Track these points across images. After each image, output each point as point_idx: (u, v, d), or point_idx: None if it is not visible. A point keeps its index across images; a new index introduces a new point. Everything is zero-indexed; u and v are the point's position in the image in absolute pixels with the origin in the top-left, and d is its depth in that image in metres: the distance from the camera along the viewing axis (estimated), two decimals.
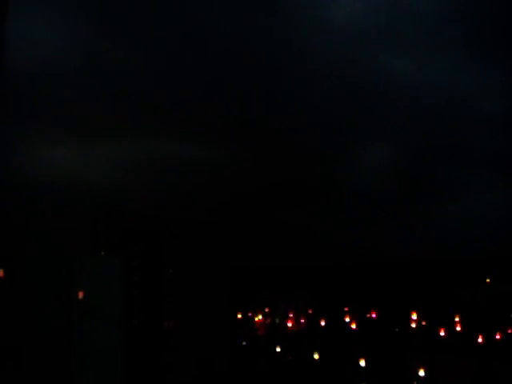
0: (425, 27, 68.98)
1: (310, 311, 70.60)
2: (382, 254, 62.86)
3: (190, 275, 49.90)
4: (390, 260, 66.94)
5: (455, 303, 66.91)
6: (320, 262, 65.57)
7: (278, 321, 69.27)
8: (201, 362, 47.07)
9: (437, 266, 68.98)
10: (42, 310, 41.59)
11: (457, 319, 65.92)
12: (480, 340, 60.78)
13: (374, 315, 68.87)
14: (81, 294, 42.93)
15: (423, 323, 66.31)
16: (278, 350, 59.59)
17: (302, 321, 69.33)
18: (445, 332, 63.12)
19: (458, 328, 64.34)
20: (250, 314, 68.66)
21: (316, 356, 57.10)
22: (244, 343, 60.96)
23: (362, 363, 55.54)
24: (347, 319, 66.67)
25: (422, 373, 52.87)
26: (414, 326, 66.23)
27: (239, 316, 65.58)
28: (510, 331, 62.70)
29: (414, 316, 66.51)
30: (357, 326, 65.88)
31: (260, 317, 69.35)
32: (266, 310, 70.77)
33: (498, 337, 61.06)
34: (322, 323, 66.52)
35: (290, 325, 68.12)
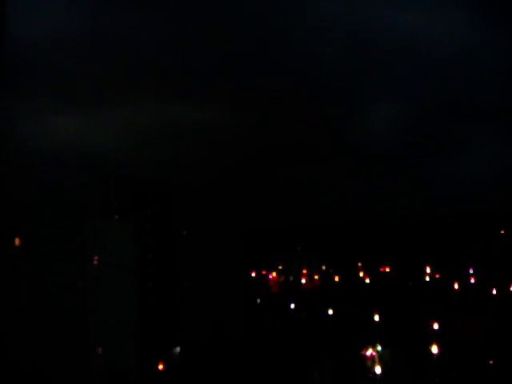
0: None
1: (324, 268, 70.95)
2: (395, 210, 62.64)
3: (202, 236, 50.04)
4: (403, 216, 66.72)
5: (469, 256, 66.82)
6: (331, 220, 65.53)
7: (291, 278, 69.74)
8: (215, 322, 47.61)
9: (449, 221, 68.68)
10: (58, 275, 42.12)
11: (471, 272, 65.89)
12: (494, 292, 60.79)
13: (387, 269, 69.06)
14: (95, 258, 43.35)
15: (437, 276, 66.43)
16: (293, 306, 60.10)
17: (316, 277, 69.75)
18: (459, 285, 63.13)
19: (472, 281, 64.36)
20: (263, 272, 69.15)
21: (330, 312, 57.51)
22: (258, 301, 61.57)
23: (376, 318, 55.83)
24: (361, 274, 66.97)
25: (435, 326, 53.08)
26: (427, 279, 66.32)
27: (253, 274, 66.08)
28: None
29: (428, 269, 66.54)
30: (370, 281, 66.18)
31: (274, 274, 69.87)
32: (280, 267, 71.25)
33: None
34: (336, 279, 66.87)
35: (303, 282, 68.57)
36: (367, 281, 66.08)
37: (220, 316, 48.25)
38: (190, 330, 47.19)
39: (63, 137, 51.99)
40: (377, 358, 47.93)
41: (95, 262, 43.76)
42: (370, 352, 52.72)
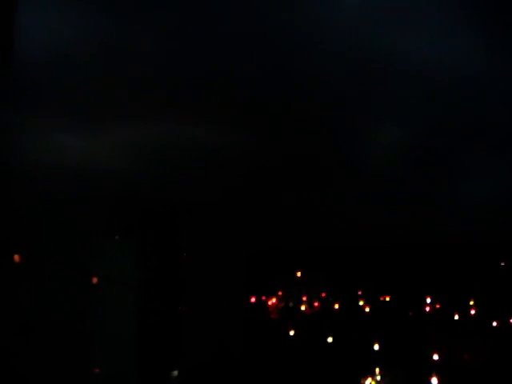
0: (437, 5, 67.74)
1: (324, 295, 70.57)
2: (396, 236, 62.45)
3: (204, 258, 49.93)
4: (404, 243, 66.57)
5: (469, 287, 66.62)
6: (333, 244, 65.28)
7: (291, 304, 69.33)
8: (215, 347, 47.27)
9: (451, 250, 68.55)
10: (58, 295, 41.83)
11: (471, 303, 65.67)
12: (495, 324, 60.58)
13: (387, 298, 68.74)
14: (97, 279, 43.06)
15: (437, 306, 66.14)
16: (292, 333, 59.71)
17: (316, 304, 69.35)
18: (459, 316, 62.92)
19: (473, 312, 64.11)
20: (263, 298, 68.75)
21: (330, 339, 57.20)
22: (258, 327, 61.11)
23: (376, 347, 55.58)
24: (361, 303, 66.63)
25: (435, 356, 52.88)
26: (428, 309, 66.05)
27: (253, 300, 65.70)
28: None
29: (428, 300, 66.29)
30: (370, 310, 65.86)
31: (274, 300, 69.45)
32: (280, 293, 70.83)
33: None
34: (336, 307, 66.50)
35: (303, 308, 68.17)
36: (367, 309, 65.78)
37: (221, 339, 47.94)
38: (191, 353, 46.80)
39: (66, 154, 52.04)
40: None
41: (96, 282, 43.50)
42: (368, 381, 52.31)
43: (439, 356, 53.24)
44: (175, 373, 47.19)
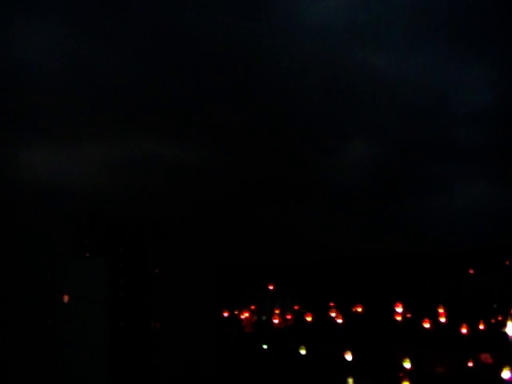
0: (405, 22, 69.43)
1: (296, 307, 70.90)
2: (366, 249, 63.38)
3: (175, 275, 50.02)
4: (374, 255, 67.53)
5: (439, 295, 67.64)
6: (304, 258, 65.92)
7: (264, 318, 69.51)
8: (188, 362, 47.23)
9: (420, 260, 69.64)
10: (27, 313, 41.47)
11: (441, 311, 66.61)
12: (464, 331, 61.55)
13: (359, 309, 69.33)
14: (66, 297, 42.86)
15: (408, 316, 66.92)
16: (265, 346, 59.88)
17: (288, 317, 69.61)
18: (430, 324, 63.79)
19: (443, 319, 65.04)
20: (236, 312, 68.81)
21: (303, 351, 57.49)
22: (231, 341, 61.19)
23: (349, 357, 56.07)
24: (333, 314, 67.07)
25: (407, 364, 53.54)
26: (399, 318, 66.79)
27: (225, 314, 65.72)
28: (493, 321, 63.55)
29: (399, 309, 67.06)
30: (343, 321, 66.34)
31: (246, 314, 69.53)
32: (252, 307, 70.97)
33: (481, 327, 61.86)
34: (308, 319, 66.84)
35: (276, 321, 68.36)
36: (339, 320, 66.19)
37: (193, 355, 47.89)
38: (163, 370, 46.66)
39: (34, 171, 51.84)
40: None
41: (65, 300, 43.27)
42: None
43: (411, 363, 53.92)
44: None
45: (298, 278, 70.91)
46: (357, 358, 57.29)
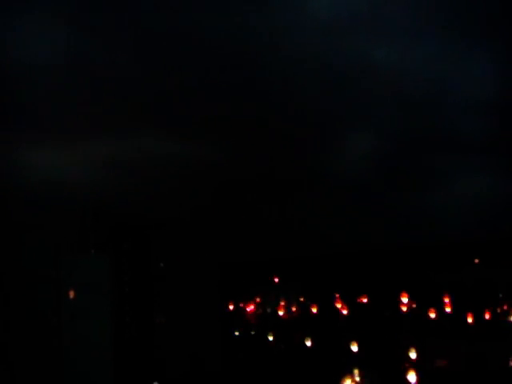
0: (406, 14, 69.03)
1: (302, 299, 71.21)
2: (371, 242, 63.47)
3: (179, 270, 50.22)
4: (379, 247, 67.66)
5: (444, 285, 67.69)
6: (310, 252, 66.13)
7: (269, 310, 69.87)
8: (192, 358, 47.49)
9: (425, 251, 69.73)
10: (32, 311, 41.83)
11: (446, 301, 66.62)
12: (470, 320, 61.57)
13: (364, 300, 69.49)
14: (71, 294, 43.19)
15: (413, 306, 67.03)
16: (271, 338, 60.16)
17: (294, 309, 69.94)
18: (435, 314, 63.82)
19: (448, 309, 65.08)
20: (241, 305, 69.20)
21: (308, 343, 57.69)
22: (236, 334, 61.55)
23: (355, 348, 56.17)
24: (338, 305, 67.25)
25: (413, 355, 53.58)
26: (404, 309, 66.83)
27: (231, 307, 66.09)
28: (498, 311, 63.61)
29: (405, 299, 67.10)
30: (348, 312, 66.53)
31: (252, 307, 69.91)
32: (257, 300, 71.36)
33: (487, 317, 61.91)
34: (314, 310, 67.08)
35: (281, 313, 68.69)
36: (345, 312, 66.40)
37: (197, 350, 48.16)
38: (168, 365, 46.98)
39: (39, 170, 52.17)
40: None
41: (71, 297, 43.60)
42: (348, 382, 52.82)
43: (417, 354, 54.01)
44: None
45: (304, 271, 71.18)
46: (362, 348, 57.43)
